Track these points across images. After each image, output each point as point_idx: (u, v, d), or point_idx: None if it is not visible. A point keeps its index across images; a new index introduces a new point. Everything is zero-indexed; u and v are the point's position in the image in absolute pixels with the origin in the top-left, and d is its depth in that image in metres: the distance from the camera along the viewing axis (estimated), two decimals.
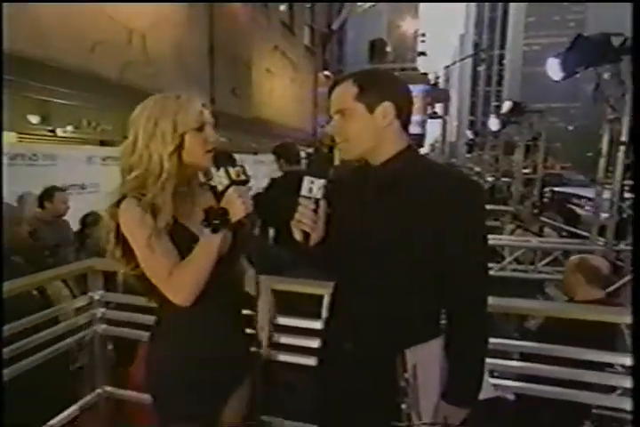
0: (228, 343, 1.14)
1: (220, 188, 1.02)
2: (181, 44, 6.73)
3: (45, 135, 4.56)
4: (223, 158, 1.03)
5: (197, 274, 1.00)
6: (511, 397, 1.48)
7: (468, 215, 0.96)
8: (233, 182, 1.00)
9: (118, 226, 1.01)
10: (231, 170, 1.01)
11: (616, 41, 3.12)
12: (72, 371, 1.98)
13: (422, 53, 29.40)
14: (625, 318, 1.36)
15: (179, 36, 6.70)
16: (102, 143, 5.17)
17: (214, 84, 7.76)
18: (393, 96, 0.98)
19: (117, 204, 1.01)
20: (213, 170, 1.04)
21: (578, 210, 6.35)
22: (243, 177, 1.02)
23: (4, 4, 3.27)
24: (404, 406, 0.98)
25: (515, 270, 3.96)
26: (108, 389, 1.94)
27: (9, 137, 3.73)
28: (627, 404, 1.33)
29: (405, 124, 1.02)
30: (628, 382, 1.32)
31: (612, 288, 2.19)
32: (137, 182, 1.01)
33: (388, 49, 21.89)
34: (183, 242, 1.02)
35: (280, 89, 11.74)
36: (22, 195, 3.24)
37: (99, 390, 1.92)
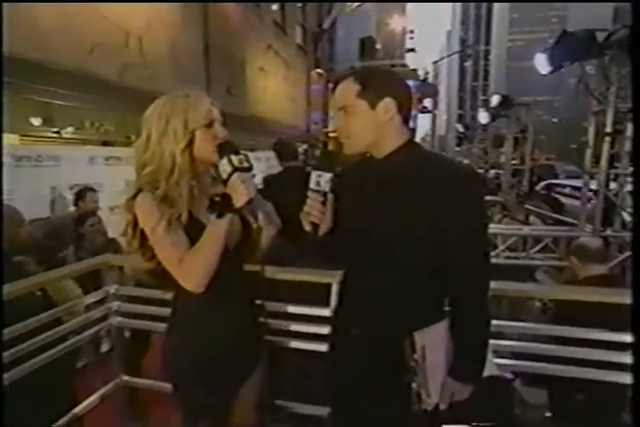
0: (241, 332, 1.17)
1: (224, 175, 1.03)
2: (177, 45, 6.72)
3: (48, 137, 4.57)
4: (226, 147, 1.05)
5: (206, 259, 1.04)
6: (509, 376, 1.58)
7: (468, 206, 0.99)
8: (236, 169, 1.02)
9: (135, 218, 1.06)
10: (234, 158, 1.02)
11: (600, 36, 3.23)
12: (79, 368, 2.03)
13: (411, 50, 29.43)
14: (624, 299, 1.34)
15: (174, 37, 6.68)
16: (104, 144, 5.19)
17: (210, 83, 7.75)
18: (393, 92, 1.01)
19: (134, 197, 1.06)
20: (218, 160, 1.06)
21: (562, 199, 6.52)
22: (246, 164, 1.03)
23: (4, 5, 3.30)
24: (413, 384, 1.03)
25: (508, 258, 4.05)
26: (125, 378, 1.99)
27: (10, 139, 3.77)
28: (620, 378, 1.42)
29: (406, 119, 1.05)
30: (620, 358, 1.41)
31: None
32: (150, 177, 1.06)
33: (378, 46, 21.91)
34: (194, 232, 1.06)
35: (274, 87, 11.67)
36: (53, 198, 3.56)
37: (117, 380, 1.97)
